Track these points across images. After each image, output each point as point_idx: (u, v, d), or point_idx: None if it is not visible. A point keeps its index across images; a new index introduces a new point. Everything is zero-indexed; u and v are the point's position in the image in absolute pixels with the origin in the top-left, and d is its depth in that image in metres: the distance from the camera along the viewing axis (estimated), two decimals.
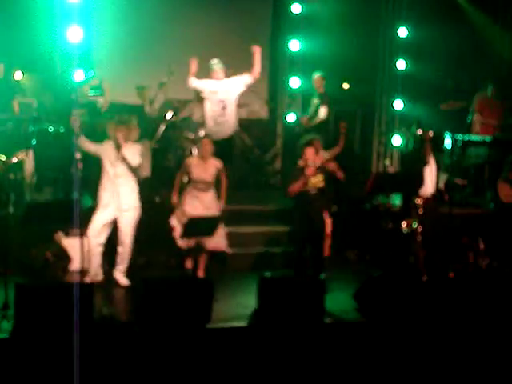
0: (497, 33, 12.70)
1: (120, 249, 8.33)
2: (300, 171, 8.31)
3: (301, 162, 8.40)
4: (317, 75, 11.14)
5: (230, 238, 9.15)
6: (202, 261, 8.52)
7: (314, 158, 8.29)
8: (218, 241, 8.37)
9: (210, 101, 9.81)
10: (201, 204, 8.39)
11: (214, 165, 8.51)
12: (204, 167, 8.44)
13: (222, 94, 9.77)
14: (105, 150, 8.25)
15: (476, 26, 12.61)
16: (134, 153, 8.24)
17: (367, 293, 7.82)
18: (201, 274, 8.50)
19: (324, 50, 11.96)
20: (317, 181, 8.30)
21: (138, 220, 8.34)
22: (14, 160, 8.51)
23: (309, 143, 8.46)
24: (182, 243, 8.31)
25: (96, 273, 8.28)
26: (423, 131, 9.33)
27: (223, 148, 9.36)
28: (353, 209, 10.17)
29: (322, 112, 10.93)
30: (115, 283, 8.36)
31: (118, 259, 8.37)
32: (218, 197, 8.58)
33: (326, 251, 8.91)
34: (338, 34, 11.98)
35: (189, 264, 8.55)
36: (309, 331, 7.24)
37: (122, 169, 8.22)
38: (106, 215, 8.24)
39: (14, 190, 8.75)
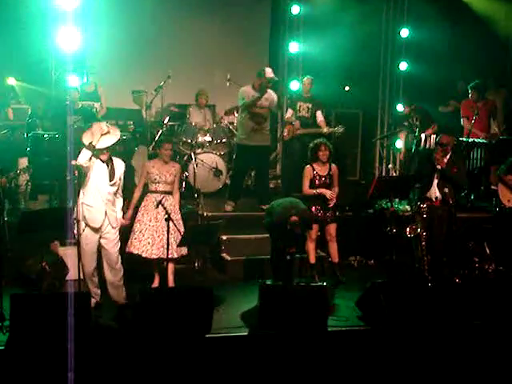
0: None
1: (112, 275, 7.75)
2: None
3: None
4: (308, 78, 10.88)
5: (230, 245, 9.06)
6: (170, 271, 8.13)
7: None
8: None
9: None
10: (161, 206, 7.79)
11: (173, 166, 8.25)
12: (165, 168, 8.15)
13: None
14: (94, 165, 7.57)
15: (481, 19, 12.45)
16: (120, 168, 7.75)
17: (370, 299, 7.65)
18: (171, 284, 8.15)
19: (324, 52, 11.82)
20: None
21: None
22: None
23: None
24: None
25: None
26: (438, 135, 9.10)
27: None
28: (356, 213, 9.98)
29: (321, 116, 10.71)
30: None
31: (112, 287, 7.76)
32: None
33: (334, 257, 8.86)
34: (338, 36, 11.78)
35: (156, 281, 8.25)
36: (311, 339, 7.09)
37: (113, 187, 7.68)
38: (97, 238, 7.68)
39: (9, 197, 8.62)
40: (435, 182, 8.74)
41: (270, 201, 8.69)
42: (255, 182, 10.35)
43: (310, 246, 8.68)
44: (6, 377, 6.17)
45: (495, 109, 11.39)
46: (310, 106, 10.77)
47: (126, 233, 8.05)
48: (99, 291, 7.80)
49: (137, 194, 8.16)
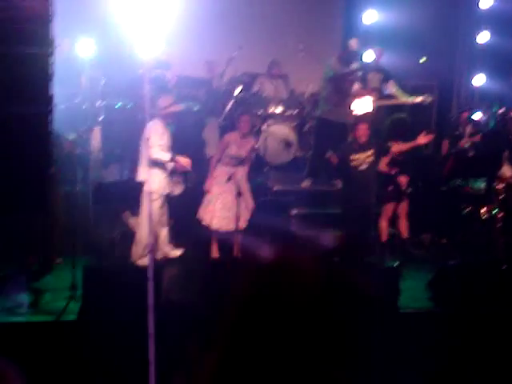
0: None
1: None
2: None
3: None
4: (379, 48, 10.52)
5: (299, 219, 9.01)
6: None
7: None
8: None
9: None
10: (232, 180, 8.10)
11: (250, 142, 8.42)
12: (242, 143, 8.29)
13: None
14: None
15: None
16: None
17: (442, 281, 7.48)
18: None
19: (400, 22, 11.43)
20: (366, 155, 8.21)
21: None
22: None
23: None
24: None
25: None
26: (507, 109, 8.83)
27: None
28: (430, 190, 9.73)
29: (394, 85, 10.39)
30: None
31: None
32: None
33: (404, 233, 8.73)
34: (415, 5, 11.41)
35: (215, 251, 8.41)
36: (381, 320, 6.96)
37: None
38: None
39: (81, 166, 8.70)
40: (505, 158, 8.51)
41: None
42: None
43: (383, 224, 8.59)
44: (78, 347, 6.23)
45: None
46: (382, 76, 10.48)
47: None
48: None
49: (215, 166, 8.28)
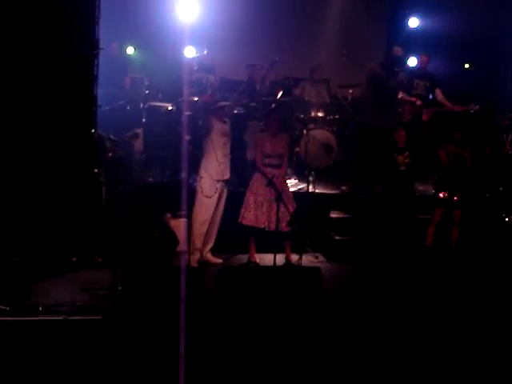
0: None
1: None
2: None
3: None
4: (426, 55, 10.44)
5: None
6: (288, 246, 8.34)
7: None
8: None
9: None
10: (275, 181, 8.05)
11: (282, 138, 8.38)
12: (275, 141, 8.27)
13: None
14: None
15: None
16: None
17: None
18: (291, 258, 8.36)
19: (444, 27, 11.33)
20: (404, 156, 8.77)
21: None
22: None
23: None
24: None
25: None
26: None
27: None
28: (474, 198, 9.59)
29: (441, 93, 10.32)
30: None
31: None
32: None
33: (453, 241, 8.82)
34: (458, 11, 11.29)
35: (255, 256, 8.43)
36: None
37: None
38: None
39: (123, 167, 8.78)
40: None
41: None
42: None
43: (430, 229, 8.73)
44: (106, 345, 6.21)
45: None
46: (428, 83, 10.39)
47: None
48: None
49: (260, 163, 8.29)
